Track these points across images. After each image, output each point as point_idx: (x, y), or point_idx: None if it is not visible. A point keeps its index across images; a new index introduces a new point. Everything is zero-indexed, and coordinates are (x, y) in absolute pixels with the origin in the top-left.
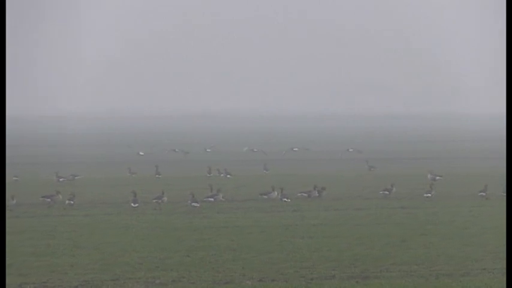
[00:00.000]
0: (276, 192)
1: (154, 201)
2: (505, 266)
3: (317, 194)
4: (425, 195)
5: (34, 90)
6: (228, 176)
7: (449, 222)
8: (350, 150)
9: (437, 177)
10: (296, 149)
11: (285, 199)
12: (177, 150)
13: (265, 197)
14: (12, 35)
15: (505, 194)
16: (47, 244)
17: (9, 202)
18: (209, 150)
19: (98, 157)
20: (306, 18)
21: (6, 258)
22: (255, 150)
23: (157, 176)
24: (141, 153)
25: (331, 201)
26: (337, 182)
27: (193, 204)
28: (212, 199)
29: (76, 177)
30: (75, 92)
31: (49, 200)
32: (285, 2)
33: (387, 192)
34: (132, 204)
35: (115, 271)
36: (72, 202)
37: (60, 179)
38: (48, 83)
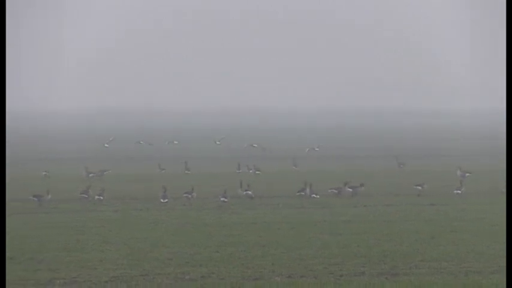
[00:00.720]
0: (308, 189)
1: (184, 195)
2: None
3: (351, 190)
4: (455, 191)
5: (33, 89)
6: (257, 172)
7: (479, 219)
8: (316, 149)
9: (467, 174)
10: (256, 145)
11: (314, 195)
12: (142, 142)
13: (303, 193)
14: (12, 35)
15: None
16: (77, 239)
17: (45, 197)
18: (176, 142)
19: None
20: (306, 18)
21: (37, 254)
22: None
23: (186, 171)
24: (106, 145)
25: (361, 198)
26: (367, 179)
27: (222, 199)
28: (246, 193)
29: (105, 173)
30: (74, 90)
31: (86, 196)
32: (285, 2)
33: (420, 187)
34: (162, 200)
35: (144, 266)
36: (101, 197)
37: (90, 175)
38: (47, 82)
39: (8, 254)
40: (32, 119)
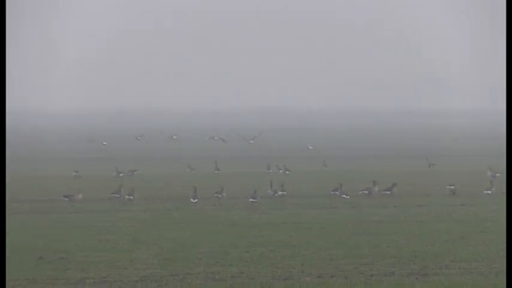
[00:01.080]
0: (342, 188)
1: (215, 195)
2: None
3: (389, 192)
4: (485, 192)
5: (36, 88)
6: (287, 172)
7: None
8: (310, 147)
9: (497, 174)
10: (252, 141)
11: (344, 196)
12: (139, 137)
13: (337, 193)
14: (12, 35)
15: None
16: (107, 239)
17: (75, 197)
18: (175, 137)
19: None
20: (306, 18)
21: (68, 254)
22: (216, 138)
23: (216, 171)
24: (104, 143)
25: (391, 198)
26: (397, 179)
27: (252, 200)
28: (280, 193)
29: (135, 173)
30: (74, 91)
31: (118, 195)
32: (285, 2)
33: (453, 187)
34: (192, 200)
35: (174, 266)
36: (131, 197)
37: (120, 174)
38: (48, 81)
39: (37, 254)
40: (51, 119)
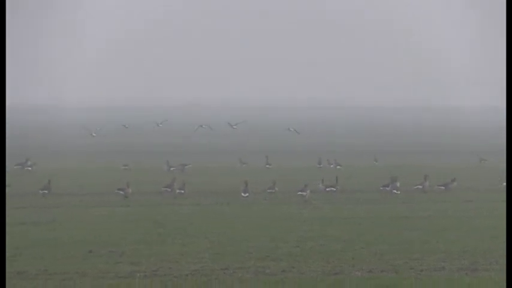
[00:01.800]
0: (398, 183)
1: (268, 190)
2: None
3: (443, 187)
4: None
5: (46, 82)
6: (338, 166)
7: None
8: (291, 129)
9: None
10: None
11: (395, 191)
12: (127, 126)
13: (387, 188)
14: (12, 32)
15: None
16: (158, 233)
17: (125, 191)
18: (161, 125)
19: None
20: (306, 18)
21: (119, 247)
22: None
23: (267, 166)
24: (93, 134)
25: (442, 194)
26: (447, 174)
27: (303, 194)
28: (330, 189)
29: (186, 167)
30: (79, 87)
31: (169, 189)
32: (285, 2)
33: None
34: (243, 194)
35: (225, 260)
36: (182, 191)
37: (171, 168)
38: (54, 78)
39: (88, 247)
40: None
